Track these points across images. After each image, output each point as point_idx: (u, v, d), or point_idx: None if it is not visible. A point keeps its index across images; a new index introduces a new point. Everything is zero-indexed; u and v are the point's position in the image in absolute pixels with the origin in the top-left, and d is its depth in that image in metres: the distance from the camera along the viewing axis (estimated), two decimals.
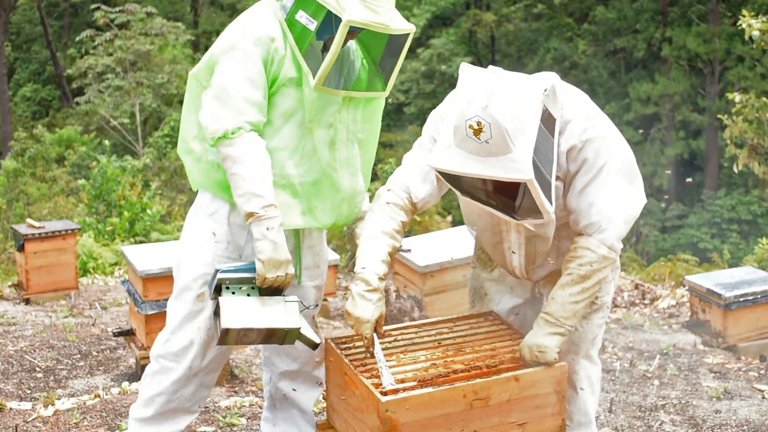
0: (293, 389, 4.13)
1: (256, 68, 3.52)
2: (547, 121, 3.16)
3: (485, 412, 3.20)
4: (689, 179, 26.22)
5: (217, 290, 3.55)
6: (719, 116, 11.42)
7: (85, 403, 5.46)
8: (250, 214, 3.47)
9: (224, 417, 5.24)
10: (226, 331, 3.41)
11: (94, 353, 6.72)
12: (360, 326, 3.39)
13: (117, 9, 24.82)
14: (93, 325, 7.74)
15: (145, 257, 6.16)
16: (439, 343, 3.57)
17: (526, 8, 33.05)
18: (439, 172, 3.21)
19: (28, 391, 5.78)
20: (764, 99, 10.71)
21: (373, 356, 3.39)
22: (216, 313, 3.58)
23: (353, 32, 3.54)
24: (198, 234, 3.77)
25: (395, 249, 3.54)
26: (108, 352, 6.76)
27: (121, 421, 5.06)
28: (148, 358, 4.23)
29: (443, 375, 3.25)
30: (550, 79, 3.23)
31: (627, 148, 3.52)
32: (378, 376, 3.24)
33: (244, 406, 5.47)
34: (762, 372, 7.00)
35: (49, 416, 5.24)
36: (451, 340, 3.60)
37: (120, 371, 6.28)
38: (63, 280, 9.64)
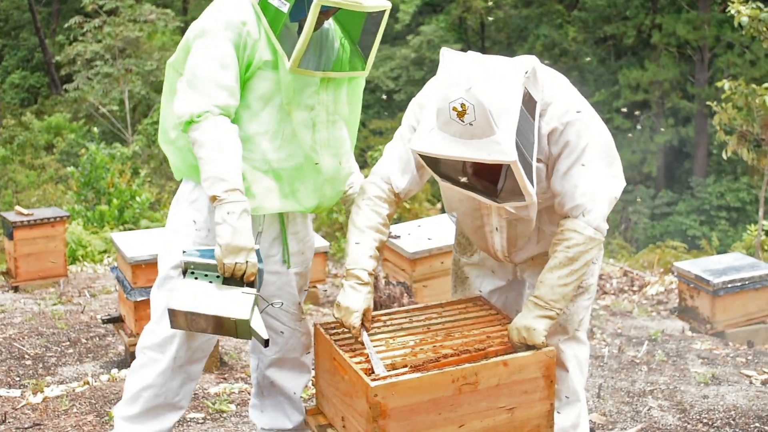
0: (281, 376, 4.12)
1: (226, 52, 3.49)
2: (528, 103, 3.16)
3: (474, 396, 3.21)
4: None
5: (184, 274, 3.51)
6: (708, 103, 11.44)
7: (74, 390, 5.46)
8: (213, 198, 3.43)
9: (213, 404, 5.25)
10: (172, 312, 3.37)
11: (83, 340, 6.71)
12: (349, 316, 3.40)
13: None
14: (82, 312, 7.73)
15: (134, 244, 6.15)
16: (429, 328, 3.57)
17: None
18: (421, 156, 3.21)
19: (17, 379, 5.77)
20: (753, 86, 10.73)
21: (362, 345, 3.39)
22: None
23: (327, 12, 3.52)
24: (179, 222, 3.75)
25: (382, 243, 3.56)
26: (97, 339, 6.76)
27: (110, 408, 5.07)
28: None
29: (433, 360, 3.26)
30: (530, 62, 3.23)
31: (605, 130, 3.54)
32: (368, 361, 3.25)
33: (234, 392, 5.48)
34: (749, 358, 7.04)
35: (38, 403, 5.24)
36: (440, 325, 3.60)
37: (109, 358, 6.28)
38: (52, 268, 9.61)
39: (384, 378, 3.11)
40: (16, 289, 9.38)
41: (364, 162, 24.74)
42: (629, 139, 28.49)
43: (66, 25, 27.03)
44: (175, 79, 3.67)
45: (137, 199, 15.13)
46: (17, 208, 9.82)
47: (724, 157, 11.07)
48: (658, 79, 29.06)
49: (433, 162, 3.24)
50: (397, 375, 3.14)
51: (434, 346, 3.39)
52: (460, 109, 3.03)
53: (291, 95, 3.59)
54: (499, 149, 3.01)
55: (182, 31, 31.91)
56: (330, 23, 3.73)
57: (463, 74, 3.09)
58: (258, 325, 3.46)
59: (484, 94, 3.02)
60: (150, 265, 5.85)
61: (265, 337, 3.47)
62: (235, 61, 3.52)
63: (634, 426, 5.08)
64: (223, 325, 3.42)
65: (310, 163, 3.68)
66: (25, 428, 4.84)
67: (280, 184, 3.66)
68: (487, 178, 3.26)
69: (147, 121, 23.41)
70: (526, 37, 32.05)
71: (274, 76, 3.59)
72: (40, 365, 6.08)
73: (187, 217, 3.72)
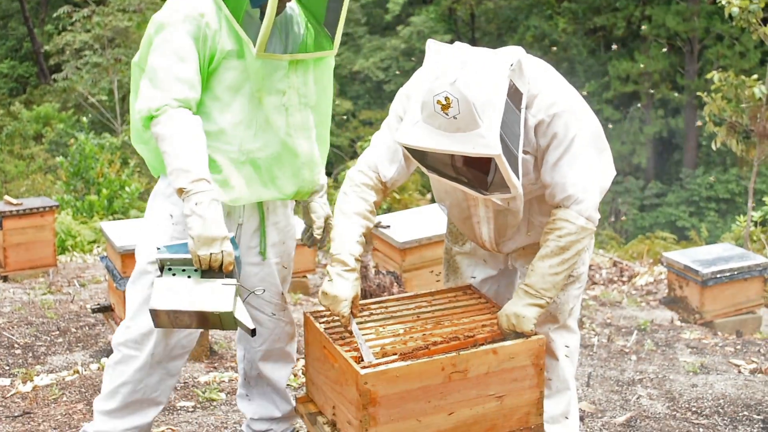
0: (267, 367, 4.10)
1: (184, 44, 3.45)
2: (514, 95, 3.16)
3: (463, 384, 3.22)
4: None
5: (161, 271, 3.46)
6: (698, 94, 11.47)
7: (64, 379, 5.45)
8: (180, 191, 3.37)
9: (203, 392, 5.25)
10: (154, 313, 3.32)
11: (73, 330, 6.70)
12: (337, 305, 3.38)
13: None
14: (71, 301, 7.72)
15: (123, 233, 6.14)
16: (418, 317, 3.58)
17: None
18: (407, 148, 3.21)
19: (7, 368, 5.77)
20: (743, 77, 10.76)
21: (351, 334, 3.39)
22: None
23: None
24: (156, 217, 3.71)
25: (369, 229, 3.54)
26: (87, 328, 6.75)
27: None
28: None
29: (422, 348, 3.26)
30: (516, 53, 3.24)
31: (595, 120, 3.55)
32: (357, 350, 3.25)
33: (224, 381, 5.48)
34: (738, 347, 7.07)
35: (27, 392, 5.24)
36: (430, 314, 3.61)
37: (99, 347, 6.27)
38: (41, 258, 9.59)
39: (374, 366, 3.11)
40: (5, 279, 9.36)
41: (354, 152, 24.71)
42: (619, 130, 28.55)
43: (55, 15, 26.95)
44: (141, 77, 3.62)
45: (126, 189, 15.10)
46: (6, 197, 9.79)
47: (714, 147, 11.10)
48: (648, 71, 29.08)
49: (419, 154, 3.24)
50: (386, 363, 3.14)
51: (424, 335, 3.40)
52: (444, 102, 3.03)
53: (260, 81, 3.56)
54: (484, 143, 3.01)
55: None
56: (293, 6, 3.69)
57: (448, 67, 3.09)
58: (242, 315, 3.43)
59: (468, 88, 3.02)
60: None
61: (251, 326, 3.45)
62: (195, 54, 3.47)
63: (624, 414, 5.10)
64: (207, 319, 3.39)
65: (286, 148, 3.66)
66: (15, 417, 4.84)
67: (258, 173, 3.63)
68: (475, 170, 3.27)
69: None
70: (516, 28, 32.04)
71: (241, 65, 3.55)
72: (30, 354, 6.08)
73: (164, 211, 3.68)
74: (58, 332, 6.61)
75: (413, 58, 30.63)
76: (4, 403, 5.05)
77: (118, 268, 5.95)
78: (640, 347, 6.90)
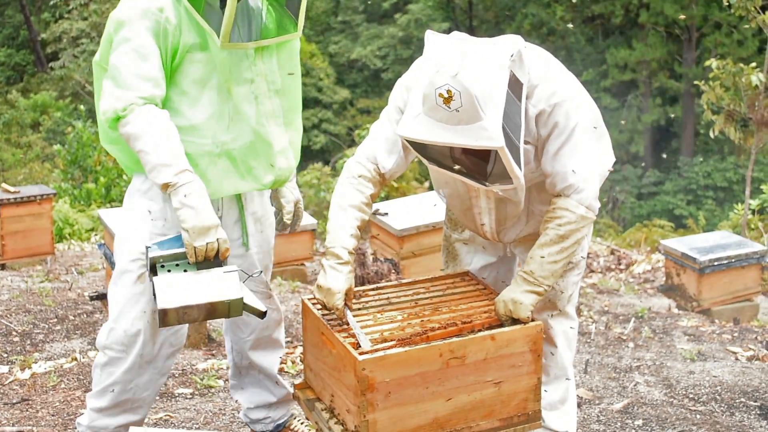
0: (257, 355, 4.09)
1: (145, 42, 3.39)
2: (514, 86, 3.15)
3: (461, 370, 3.22)
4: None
5: (153, 270, 3.41)
6: (696, 82, 11.47)
7: (62, 366, 5.46)
8: (165, 186, 3.34)
9: (202, 379, 5.26)
10: (164, 312, 3.28)
11: (71, 317, 6.71)
12: (331, 298, 3.37)
13: None
14: (69, 289, 7.72)
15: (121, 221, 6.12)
16: (416, 303, 3.58)
17: None
18: (408, 141, 3.20)
19: (5, 355, 5.77)
20: (741, 65, 10.75)
21: (348, 325, 3.39)
22: (154, 294, 3.44)
23: None
24: (134, 214, 3.65)
25: (364, 222, 3.53)
26: (84, 316, 6.75)
27: None
28: None
29: (420, 333, 3.27)
30: (515, 43, 3.22)
31: (594, 106, 3.54)
32: (355, 337, 3.25)
33: (222, 368, 5.49)
34: (735, 335, 7.09)
35: (26, 379, 5.25)
36: (428, 300, 3.61)
37: (97, 335, 6.27)
38: (39, 246, 9.58)
39: (372, 352, 3.12)
40: (2, 267, 9.35)
41: (352, 141, 24.69)
42: (617, 118, 28.54)
43: (51, 3, 26.91)
44: (103, 76, 3.54)
45: (124, 177, 15.07)
46: (3, 185, 9.77)
47: (712, 135, 11.10)
48: (646, 59, 29.08)
49: (420, 147, 3.23)
50: (384, 349, 3.15)
51: (422, 321, 3.40)
52: (446, 95, 3.02)
53: (228, 72, 3.51)
54: (486, 135, 3.01)
55: None
56: None
57: (449, 59, 3.08)
58: (251, 299, 3.44)
59: (470, 80, 3.01)
60: None
61: (263, 309, 3.45)
62: (156, 50, 3.41)
63: (621, 401, 5.11)
64: (216, 310, 3.37)
65: (259, 138, 3.61)
66: (14, 403, 4.84)
67: (234, 165, 3.59)
68: (475, 162, 3.26)
69: None
70: (514, 16, 32.00)
71: (205, 57, 3.49)
72: (28, 342, 6.08)
73: (142, 207, 3.62)
74: (56, 320, 6.62)
75: (411, 46, 30.60)
76: (2, 390, 5.05)
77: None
78: (637, 335, 6.92)
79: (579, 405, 4.96)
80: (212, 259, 3.43)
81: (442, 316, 3.44)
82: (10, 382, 5.20)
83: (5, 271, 9.17)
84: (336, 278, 3.39)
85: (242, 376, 4.18)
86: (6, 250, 9.37)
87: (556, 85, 3.36)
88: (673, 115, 28.83)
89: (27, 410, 4.77)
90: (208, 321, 6.14)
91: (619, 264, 11.45)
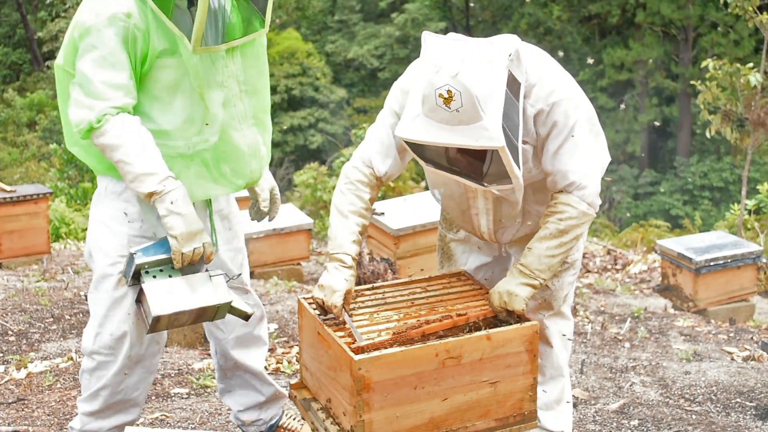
0: (241, 354, 4.04)
1: (115, 50, 3.32)
2: (513, 85, 3.16)
3: (457, 370, 3.22)
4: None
5: (136, 276, 3.41)
6: (693, 82, 11.47)
7: (58, 366, 5.46)
8: (150, 194, 3.32)
9: (198, 379, 5.26)
10: (157, 319, 3.30)
11: (67, 317, 6.70)
12: (331, 296, 3.39)
13: None
14: (65, 289, 7.72)
15: None
16: (412, 303, 3.58)
17: None
18: (406, 143, 3.20)
19: (1, 355, 5.77)
20: (737, 65, 10.76)
21: (343, 324, 3.39)
22: (138, 300, 3.46)
23: None
24: (108, 217, 3.58)
25: (365, 227, 3.55)
26: (80, 315, 6.75)
27: None
28: None
29: (415, 326, 3.27)
30: (512, 42, 3.22)
31: (590, 105, 3.55)
32: (351, 335, 3.25)
33: None
34: (731, 335, 7.09)
35: (22, 379, 5.24)
36: (424, 300, 3.61)
37: None
38: (35, 245, 9.57)
39: (368, 351, 3.12)
40: None
41: (349, 140, 24.66)
42: (613, 118, 28.57)
43: (48, 1, 26.90)
44: (67, 81, 3.47)
45: None
46: (0, 184, 9.77)
47: (708, 135, 11.11)
48: (642, 59, 29.11)
49: (418, 148, 3.23)
50: (380, 349, 3.15)
51: (418, 320, 3.40)
52: (446, 95, 3.02)
53: (200, 77, 3.45)
54: (487, 135, 3.01)
55: None
56: None
57: (449, 60, 3.08)
58: (238, 302, 3.49)
59: (470, 80, 3.01)
60: None
61: (249, 311, 3.48)
62: (126, 58, 3.34)
63: (617, 401, 5.12)
64: (204, 313, 3.41)
65: (230, 142, 3.57)
66: (9, 403, 4.84)
67: (207, 169, 3.56)
68: (472, 162, 3.26)
69: None
70: (511, 15, 32.01)
71: (176, 62, 3.42)
72: (24, 341, 6.08)
73: (116, 210, 3.56)
74: (52, 319, 6.61)
75: (408, 45, 30.62)
76: None
77: None
78: (633, 335, 6.92)
79: (575, 405, 4.96)
80: (196, 264, 3.45)
81: (438, 315, 3.45)
82: (5, 381, 5.20)
83: (1, 270, 9.16)
84: (337, 278, 3.41)
85: (228, 378, 4.13)
86: (2, 249, 9.36)
87: (554, 84, 3.36)
88: (658, 125, 28.86)
89: (23, 410, 4.77)
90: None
91: (616, 264, 11.46)
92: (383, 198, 12.28)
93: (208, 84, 3.48)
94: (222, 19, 3.43)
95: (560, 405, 3.94)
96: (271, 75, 3.82)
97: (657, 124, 28.00)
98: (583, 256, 11.32)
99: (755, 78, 10.42)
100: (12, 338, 6.13)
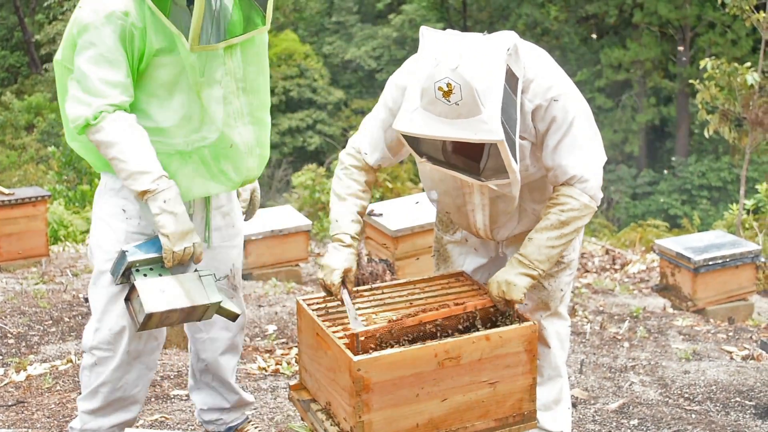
0: (212, 358, 4.03)
1: (112, 47, 3.33)
2: (511, 80, 3.16)
3: (456, 371, 3.23)
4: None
5: (126, 274, 3.43)
6: (691, 81, 11.48)
7: (57, 368, 5.46)
8: (143, 193, 3.34)
9: None
10: (149, 316, 3.31)
11: (66, 319, 6.70)
12: (330, 274, 3.45)
13: None
14: (64, 291, 7.71)
15: None
16: (411, 303, 3.58)
17: None
18: (404, 136, 3.21)
19: (0, 357, 5.76)
20: (735, 64, 10.77)
21: (341, 302, 3.44)
22: (128, 298, 3.47)
23: None
24: (107, 214, 3.61)
25: (363, 208, 3.60)
26: (80, 318, 6.74)
27: None
28: None
29: (412, 315, 3.28)
30: (510, 38, 3.22)
31: (587, 105, 3.55)
32: (351, 336, 3.24)
33: None
34: (730, 334, 7.09)
35: (21, 381, 5.24)
36: (423, 300, 3.61)
37: None
38: (33, 248, 9.56)
39: (367, 352, 3.12)
40: None
41: (346, 142, 24.66)
42: (611, 118, 28.58)
43: (45, 4, 26.89)
44: (66, 77, 3.49)
45: None
46: None
47: (707, 135, 11.11)
48: (640, 59, 29.12)
49: (414, 141, 3.23)
50: (376, 336, 3.17)
51: (414, 309, 3.43)
52: (446, 88, 3.02)
53: (199, 75, 3.46)
54: (486, 128, 3.01)
55: None
56: None
57: (448, 53, 3.07)
58: (227, 303, 3.53)
59: (470, 73, 3.01)
60: None
61: (237, 311, 3.52)
62: (124, 55, 3.36)
63: (616, 401, 5.12)
64: (194, 313, 3.43)
65: (227, 139, 3.58)
66: (9, 406, 4.84)
67: (206, 166, 3.57)
68: (469, 157, 3.27)
69: None
70: (508, 16, 32.03)
71: (173, 60, 3.44)
72: (23, 344, 6.07)
73: (115, 206, 3.59)
74: (51, 322, 6.61)
75: (405, 46, 30.63)
76: None
77: None
78: (632, 334, 6.92)
79: (574, 405, 4.96)
80: (186, 263, 3.47)
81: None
82: (5, 384, 5.19)
83: (0, 273, 9.15)
84: (336, 257, 3.48)
85: (197, 378, 4.13)
86: (1, 252, 9.34)
87: (552, 79, 3.36)
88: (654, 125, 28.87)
89: (22, 412, 4.77)
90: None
91: (614, 264, 11.46)
92: (381, 199, 12.29)
93: (206, 82, 3.49)
94: (221, 17, 3.43)
95: (559, 405, 3.95)
96: (270, 76, 3.82)
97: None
98: (582, 256, 11.34)
99: (753, 77, 10.43)
100: (11, 341, 6.13)
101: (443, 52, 3.09)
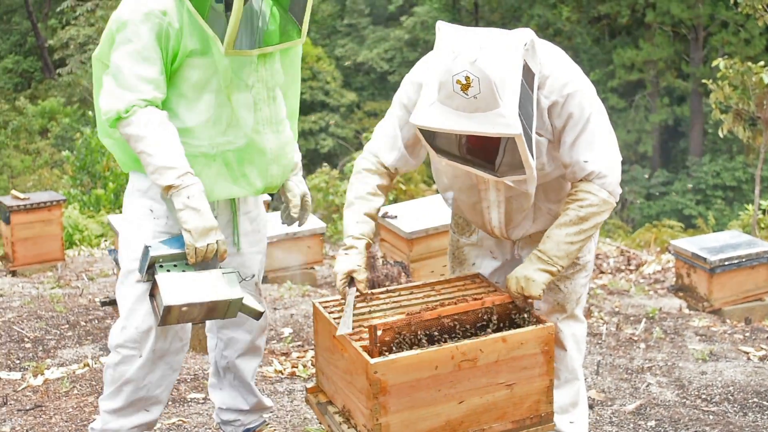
0: (236, 359, 4.08)
1: (148, 44, 3.40)
2: (527, 75, 3.14)
3: (473, 373, 3.22)
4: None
5: (150, 269, 3.45)
6: (704, 81, 11.44)
7: (74, 372, 5.47)
8: (168, 188, 3.38)
9: None
10: (168, 309, 3.32)
11: (82, 323, 6.72)
12: (336, 279, 3.51)
13: None
14: (80, 295, 7.74)
15: None
16: (427, 306, 3.57)
17: None
18: (420, 130, 3.20)
19: (17, 361, 5.79)
20: (749, 64, 10.73)
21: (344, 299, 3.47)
22: (152, 293, 3.50)
23: None
24: (136, 213, 3.66)
25: (373, 209, 3.60)
26: (96, 321, 6.77)
27: None
28: None
29: (430, 309, 3.29)
30: (527, 34, 3.21)
31: (601, 104, 3.54)
32: (369, 339, 3.24)
33: None
34: (747, 334, 7.06)
35: (38, 385, 5.26)
36: (438, 303, 3.60)
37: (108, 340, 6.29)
38: (49, 252, 9.60)
39: (384, 355, 3.12)
40: (13, 274, 9.38)
41: (359, 144, 24.67)
42: (624, 118, 28.51)
43: (58, 9, 26.98)
44: (102, 72, 3.57)
45: None
46: (13, 192, 9.80)
47: (721, 135, 11.07)
48: (653, 59, 29.06)
49: (430, 136, 3.22)
50: (394, 329, 3.18)
51: (432, 303, 3.44)
52: (464, 81, 3.00)
53: (229, 78, 3.52)
54: (504, 122, 2.99)
55: None
56: None
57: (466, 47, 3.06)
58: (249, 300, 3.53)
59: (489, 67, 2.99)
60: None
61: (260, 309, 3.53)
62: (159, 53, 3.43)
63: (633, 402, 5.10)
64: (215, 310, 3.44)
65: (254, 145, 3.63)
66: (27, 410, 4.85)
67: (229, 169, 3.61)
68: (485, 152, 3.25)
69: None
70: (520, 17, 31.99)
71: (206, 63, 3.50)
72: (40, 348, 6.10)
73: (143, 206, 3.64)
74: (67, 326, 6.63)
75: (417, 48, 30.64)
76: (15, 397, 5.06)
77: None
78: (648, 335, 6.90)
79: (591, 407, 4.95)
80: (210, 260, 3.48)
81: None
82: (23, 388, 5.21)
83: (16, 277, 9.19)
84: (343, 261, 3.50)
85: (220, 376, 4.17)
86: (16, 256, 9.40)
87: (568, 76, 3.35)
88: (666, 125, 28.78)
89: (40, 416, 4.78)
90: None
91: (629, 265, 11.43)
92: (395, 201, 12.29)
93: (236, 86, 3.55)
94: (258, 25, 3.52)
95: (576, 408, 3.93)
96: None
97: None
98: (597, 257, 11.31)
99: (767, 76, 10.38)
100: (28, 345, 6.15)
101: (461, 46, 3.07)
